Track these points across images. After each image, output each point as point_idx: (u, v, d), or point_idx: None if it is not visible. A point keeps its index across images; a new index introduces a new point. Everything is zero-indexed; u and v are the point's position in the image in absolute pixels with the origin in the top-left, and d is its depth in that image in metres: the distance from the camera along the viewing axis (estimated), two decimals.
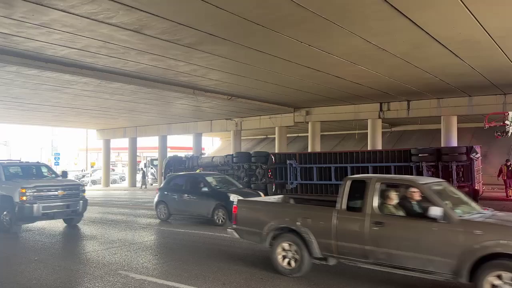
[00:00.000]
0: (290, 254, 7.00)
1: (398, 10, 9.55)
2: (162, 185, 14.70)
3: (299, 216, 6.99)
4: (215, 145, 50.82)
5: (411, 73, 15.96)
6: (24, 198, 11.04)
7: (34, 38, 11.50)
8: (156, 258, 8.65)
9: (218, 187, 13.36)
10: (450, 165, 17.63)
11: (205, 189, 13.05)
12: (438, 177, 18.06)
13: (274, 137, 30.39)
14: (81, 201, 12.37)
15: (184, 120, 31.78)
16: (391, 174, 19.41)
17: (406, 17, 9.98)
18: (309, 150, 26.32)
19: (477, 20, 10.26)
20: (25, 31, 10.88)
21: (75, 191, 12.30)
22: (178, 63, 14.47)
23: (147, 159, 44.76)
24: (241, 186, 14.36)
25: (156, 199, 14.25)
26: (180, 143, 48.82)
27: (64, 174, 14.17)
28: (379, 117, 23.80)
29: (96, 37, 11.42)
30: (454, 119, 22.14)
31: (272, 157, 23.23)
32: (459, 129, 22.72)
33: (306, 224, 6.84)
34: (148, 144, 46.71)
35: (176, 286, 6.50)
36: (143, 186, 34.19)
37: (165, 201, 13.81)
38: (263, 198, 9.02)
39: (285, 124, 27.88)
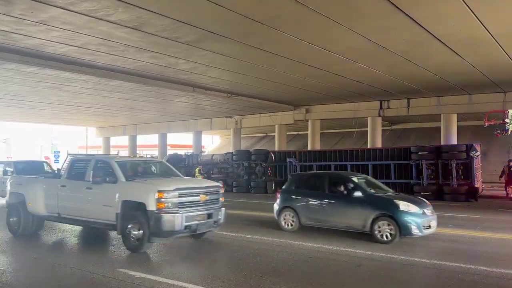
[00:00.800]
0: None
1: (398, 8, 9.54)
2: (285, 186, 11.67)
3: None
4: (215, 143, 50.86)
5: (411, 71, 15.95)
6: (163, 205, 8.22)
7: (33, 36, 11.49)
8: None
9: (373, 191, 10.38)
10: (450, 163, 17.63)
11: (358, 193, 9.98)
12: (437, 175, 18.13)
13: (274, 135, 30.42)
14: (223, 209, 9.53)
15: (184, 118, 31.80)
16: (390, 172, 19.46)
17: (406, 14, 9.97)
18: (309, 148, 26.35)
19: (477, 18, 10.25)
20: (24, 29, 10.87)
21: (215, 195, 9.42)
22: (178, 61, 14.45)
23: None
24: (389, 189, 11.26)
25: (278, 204, 11.15)
26: (180, 141, 48.82)
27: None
28: (379, 115, 23.85)
29: (96, 34, 11.41)
30: (454, 117, 22.17)
31: (272, 155, 23.29)
32: (458, 127, 22.74)
33: None
34: (148, 142, 46.71)
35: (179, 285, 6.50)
36: None
37: (293, 207, 10.80)
38: None
39: (285, 122, 27.91)
